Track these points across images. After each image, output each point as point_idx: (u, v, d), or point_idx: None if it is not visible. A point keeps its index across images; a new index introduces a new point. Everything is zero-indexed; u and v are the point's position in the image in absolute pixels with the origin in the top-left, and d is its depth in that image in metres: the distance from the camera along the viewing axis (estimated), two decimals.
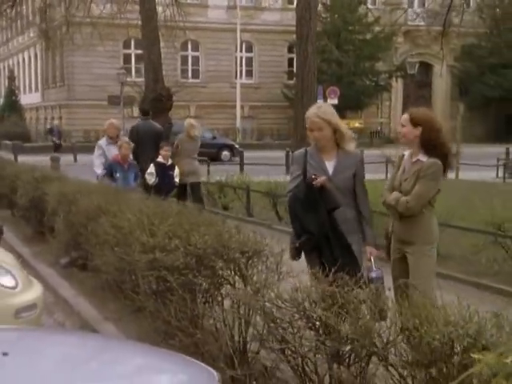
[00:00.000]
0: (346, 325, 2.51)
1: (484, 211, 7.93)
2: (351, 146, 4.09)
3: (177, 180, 8.81)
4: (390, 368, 2.42)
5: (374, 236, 4.03)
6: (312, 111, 4.04)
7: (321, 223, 3.70)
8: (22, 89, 42.69)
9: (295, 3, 18.53)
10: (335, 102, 26.42)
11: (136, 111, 24.26)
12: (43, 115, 38.19)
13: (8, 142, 28.80)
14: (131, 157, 8.27)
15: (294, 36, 29.31)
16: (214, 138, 27.88)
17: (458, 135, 19.53)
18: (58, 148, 27.05)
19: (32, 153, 24.31)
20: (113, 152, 8.19)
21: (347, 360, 2.60)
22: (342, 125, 4.15)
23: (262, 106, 34.48)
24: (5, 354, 2.22)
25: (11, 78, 41.02)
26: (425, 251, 3.99)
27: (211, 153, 23.21)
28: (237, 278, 3.68)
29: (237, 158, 22.85)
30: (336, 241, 3.72)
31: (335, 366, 2.62)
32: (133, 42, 32.01)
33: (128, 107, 26.32)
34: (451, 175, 12.89)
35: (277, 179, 11.08)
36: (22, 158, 19.09)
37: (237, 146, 26.41)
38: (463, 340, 2.13)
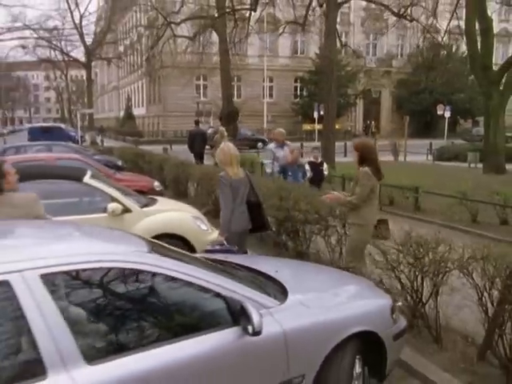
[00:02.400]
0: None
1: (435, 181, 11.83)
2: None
3: (326, 173, 9.51)
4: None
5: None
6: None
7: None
8: (134, 105, 54.54)
9: (297, 52, 26.83)
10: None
11: (209, 120, 37.79)
12: (147, 122, 50.19)
13: (130, 137, 40.42)
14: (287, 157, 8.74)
15: (299, 72, 43.16)
16: (253, 134, 38.25)
17: (405, 134, 29.91)
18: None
19: (145, 144, 32.74)
20: (280, 154, 8.81)
21: None
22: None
23: (278, 115, 45.78)
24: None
25: (128, 99, 54.18)
26: (357, 230, 5.25)
27: (250, 144, 33.22)
28: (340, 225, 5.79)
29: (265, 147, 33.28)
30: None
31: None
32: (201, 77, 44.59)
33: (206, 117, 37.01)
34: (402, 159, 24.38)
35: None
36: (141, 147, 24.00)
37: (266, 140, 34.38)
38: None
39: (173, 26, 23.93)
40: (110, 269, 2.59)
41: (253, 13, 19.36)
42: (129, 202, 6.32)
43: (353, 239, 5.37)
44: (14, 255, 2.47)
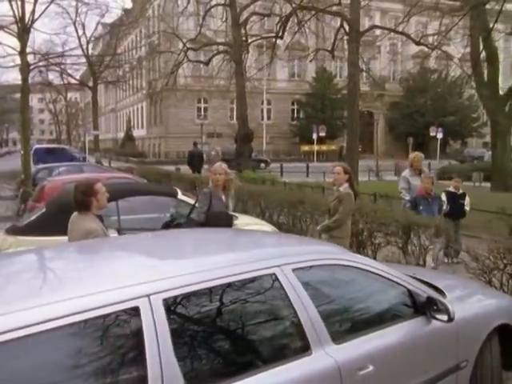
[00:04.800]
0: None
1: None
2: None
3: (467, 208, 8.15)
4: None
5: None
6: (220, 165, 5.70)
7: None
8: (134, 126, 54.66)
9: (294, 75, 28.09)
10: (323, 134, 41.89)
11: (211, 141, 38.11)
12: (147, 143, 50.60)
13: (133, 158, 40.31)
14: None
15: (296, 95, 43.80)
16: (256, 155, 37.27)
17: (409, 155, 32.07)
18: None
19: (150, 165, 31.86)
20: (417, 183, 7.56)
21: None
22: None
23: (276, 136, 46.48)
24: None
25: (128, 121, 54.55)
26: (338, 242, 5.04)
27: (253, 164, 31.80)
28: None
29: (267, 168, 33.87)
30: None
31: None
32: (202, 100, 45.26)
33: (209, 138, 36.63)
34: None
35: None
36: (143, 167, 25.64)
37: (268, 160, 37.42)
38: None
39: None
40: (336, 265, 3.02)
41: (278, 40, 19.95)
42: None
43: None
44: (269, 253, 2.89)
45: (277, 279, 2.66)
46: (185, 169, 21.91)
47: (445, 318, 3.11)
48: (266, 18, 24.64)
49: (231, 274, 2.51)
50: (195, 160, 20.21)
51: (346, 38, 17.66)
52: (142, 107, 53.52)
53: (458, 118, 46.38)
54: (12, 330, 1.87)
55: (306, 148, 44.65)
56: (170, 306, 2.26)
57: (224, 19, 22.55)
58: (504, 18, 21.50)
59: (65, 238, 5.57)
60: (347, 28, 16.63)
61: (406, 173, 8.01)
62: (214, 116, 44.48)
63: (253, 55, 25.10)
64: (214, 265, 2.56)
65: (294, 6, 17.78)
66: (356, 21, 15.81)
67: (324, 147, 44.28)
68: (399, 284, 3.26)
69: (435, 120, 42.56)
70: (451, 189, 8.13)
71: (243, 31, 21.87)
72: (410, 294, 3.27)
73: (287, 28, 18.59)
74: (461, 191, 8.20)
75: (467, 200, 8.16)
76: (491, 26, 15.93)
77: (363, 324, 2.98)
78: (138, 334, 2.12)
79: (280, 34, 18.66)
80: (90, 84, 41.67)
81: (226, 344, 2.46)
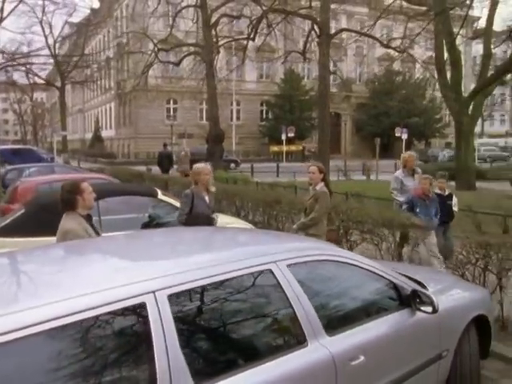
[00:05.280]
0: None
1: None
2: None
3: (455, 209, 7.48)
4: None
5: None
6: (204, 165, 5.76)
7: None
8: (102, 127, 53.91)
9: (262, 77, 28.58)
10: (292, 135, 42.18)
11: (181, 142, 37.90)
12: (116, 144, 49.94)
13: (102, 159, 39.50)
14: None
15: (265, 96, 44.07)
16: (226, 156, 36.61)
17: (377, 155, 29.44)
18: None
19: (121, 165, 30.31)
20: (410, 184, 7.28)
21: None
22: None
23: (246, 137, 46.73)
24: None
25: (96, 121, 53.73)
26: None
27: (224, 165, 31.69)
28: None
29: (238, 168, 33.86)
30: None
31: None
32: (171, 100, 44.94)
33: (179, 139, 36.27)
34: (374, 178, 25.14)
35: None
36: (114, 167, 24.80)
37: (239, 161, 37.08)
38: None
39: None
40: (327, 261, 3.12)
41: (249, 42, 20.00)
42: None
43: None
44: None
45: (273, 275, 2.74)
46: (156, 169, 21.91)
47: (429, 309, 3.24)
48: (235, 20, 24.72)
49: (230, 270, 2.58)
50: (164, 161, 20.83)
51: (316, 40, 17.85)
52: (110, 108, 52.83)
53: (422, 119, 47.39)
54: (32, 326, 1.91)
55: (275, 148, 44.86)
56: (175, 301, 2.31)
57: (195, 20, 22.49)
58: (465, 23, 22.19)
59: (45, 239, 5.54)
60: (317, 31, 16.81)
61: (399, 173, 7.63)
62: (183, 117, 44.25)
63: (223, 56, 25.04)
64: (214, 262, 2.62)
65: (264, 8, 17.88)
66: (326, 24, 16.03)
67: (293, 147, 44.56)
68: (385, 278, 3.37)
69: (400, 121, 43.33)
70: (436, 190, 7.30)
71: (214, 32, 21.86)
72: (396, 287, 3.39)
73: (258, 30, 18.66)
74: (447, 192, 7.61)
75: (455, 200, 7.59)
76: (456, 32, 16.39)
77: (353, 316, 3.08)
78: (146, 329, 2.16)
79: (252, 35, 18.73)
80: (57, 84, 40.87)
81: (228, 337, 2.52)
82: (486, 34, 19.19)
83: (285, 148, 41.98)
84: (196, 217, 5.46)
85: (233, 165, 36.05)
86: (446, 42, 18.59)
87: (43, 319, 1.94)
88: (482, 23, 39.05)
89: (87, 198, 4.11)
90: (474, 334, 3.89)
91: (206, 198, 5.76)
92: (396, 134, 39.75)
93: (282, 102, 46.14)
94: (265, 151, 45.91)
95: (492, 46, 19.61)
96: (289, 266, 2.83)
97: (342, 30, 21.17)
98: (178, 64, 24.21)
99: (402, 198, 7.23)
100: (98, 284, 2.20)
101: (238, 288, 2.64)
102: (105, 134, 52.52)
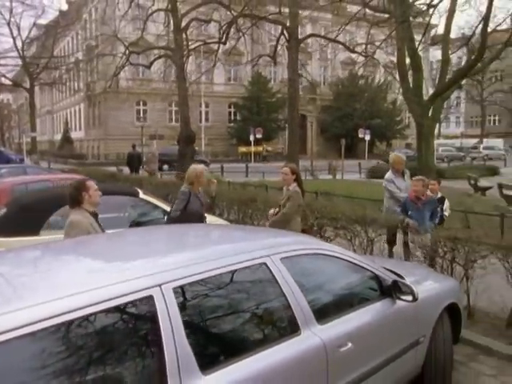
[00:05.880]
0: None
1: None
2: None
3: (446, 214, 6.87)
4: None
5: None
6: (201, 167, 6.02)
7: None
8: (72, 128, 52.97)
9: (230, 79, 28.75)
10: (260, 136, 42.41)
11: (152, 143, 37.77)
12: (86, 145, 49.09)
13: (73, 160, 39.12)
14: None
15: (233, 98, 43.95)
16: (196, 156, 39.56)
17: (342, 155, 30.52)
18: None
19: (91, 166, 29.21)
20: (402, 185, 6.86)
21: None
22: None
23: (214, 138, 46.35)
24: None
25: (65, 122, 52.80)
26: None
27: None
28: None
29: (207, 168, 35.00)
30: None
31: None
32: (141, 102, 44.43)
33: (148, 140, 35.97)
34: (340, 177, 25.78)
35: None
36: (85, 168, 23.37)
37: (208, 161, 35.83)
38: None
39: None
40: (316, 254, 3.23)
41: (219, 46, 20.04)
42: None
43: None
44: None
45: (268, 268, 2.83)
46: (126, 170, 21.74)
47: (410, 298, 3.39)
48: (205, 24, 24.69)
49: (229, 263, 2.65)
50: (133, 161, 21.46)
51: (285, 45, 18.01)
52: (79, 109, 51.93)
53: (384, 121, 48.31)
54: (49, 318, 1.94)
55: (243, 149, 45.01)
56: (179, 294, 2.37)
57: (166, 24, 22.36)
58: (421, 29, 22.73)
59: (28, 239, 5.48)
60: (287, 36, 16.97)
61: (390, 175, 7.18)
62: (153, 118, 43.79)
63: (193, 59, 24.96)
64: (214, 256, 2.69)
65: (235, 13, 17.94)
66: (295, 29, 16.20)
67: (260, 148, 44.79)
68: (368, 270, 3.51)
69: (363, 123, 44.22)
70: (428, 193, 6.73)
71: (184, 36, 21.77)
72: (377, 278, 3.53)
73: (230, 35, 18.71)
74: (440, 195, 7.06)
75: (446, 204, 6.99)
76: (418, 38, 16.77)
77: (340, 306, 3.20)
78: (155, 320, 2.22)
79: (223, 39, 18.76)
80: (26, 85, 39.95)
81: (229, 327, 2.60)
82: (445, 41, 19.65)
83: (252, 149, 42.19)
84: (189, 214, 5.56)
85: (203, 165, 35.76)
86: (408, 48, 19.01)
87: (61, 311, 1.98)
88: (439, 30, 40.07)
89: (93, 194, 4.29)
90: (447, 321, 4.07)
91: (200, 197, 5.93)
92: (359, 135, 40.55)
93: (249, 103, 46.24)
94: (233, 152, 45.98)
95: (450, 52, 20.15)
96: (282, 259, 2.93)
97: (311, 35, 21.40)
98: (149, 67, 24.00)
99: (405, 194, 6.72)
100: (108, 278, 2.25)
101: (236, 280, 2.72)
102: (74, 135, 51.61)
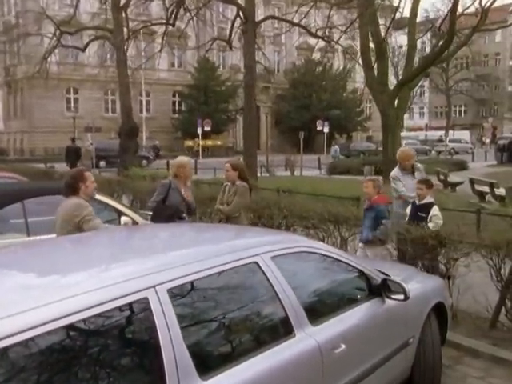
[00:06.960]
0: None
1: None
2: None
3: (430, 225, 5.87)
4: None
5: None
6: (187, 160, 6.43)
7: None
8: None
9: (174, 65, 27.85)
10: (209, 128, 42.37)
11: (86, 136, 36.84)
12: (6, 138, 47.14)
13: None
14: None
15: (177, 86, 43.79)
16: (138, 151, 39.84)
17: (301, 150, 30.97)
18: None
19: (15, 163, 28.26)
20: (409, 182, 6.67)
21: None
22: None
23: (157, 131, 46.09)
24: None
25: None
26: None
27: (137, 161, 33.02)
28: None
29: (150, 165, 32.28)
30: None
31: None
32: (72, 90, 43.56)
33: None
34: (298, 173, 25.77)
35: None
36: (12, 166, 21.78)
37: (151, 157, 36.29)
38: None
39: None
40: (305, 252, 3.40)
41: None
42: (135, 215, 6.81)
43: None
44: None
45: (259, 267, 2.96)
46: (61, 166, 21.27)
47: (401, 297, 3.61)
48: (147, 2, 24.46)
49: (221, 263, 2.77)
50: (71, 156, 21.73)
51: (241, 28, 18.14)
52: None
53: (343, 112, 49.39)
54: (53, 320, 2.01)
55: (190, 143, 44.86)
56: (173, 295, 2.47)
57: (103, 1, 21.99)
58: (384, 12, 23.47)
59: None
60: (242, 17, 17.06)
61: (396, 172, 7.05)
62: (86, 108, 42.94)
63: (134, 42, 24.69)
64: (206, 255, 2.81)
65: None
66: (252, 10, 16.36)
67: (209, 142, 44.83)
68: (357, 269, 3.71)
69: (321, 114, 44.96)
70: (414, 195, 6.41)
71: (124, 15, 21.49)
72: (366, 277, 3.73)
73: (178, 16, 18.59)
74: (425, 200, 6.20)
75: (433, 213, 6.07)
76: (384, 23, 17.32)
77: (332, 306, 3.39)
78: (151, 322, 2.31)
79: (171, 20, 18.65)
80: None
81: (226, 329, 2.72)
82: (411, 25, 20.45)
83: (200, 142, 42.08)
84: (167, 207, 5.90)
85: (145, 161, 35.01)
86: (373, 33, 19.60)
87: (52, 318, 2.03)
88: (404, 13, 41.24)
89: (90, 185, 4.77)
90: (435, 321, 4.33)
91: (183, 191, 6.16)
92: (317, 128, 41.20)
93: (196, 92, 46.15)
94: (178, 146, 45.68)
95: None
96: (272, 258, 3.07)
97: (269, 17, 21.58)
98: (83, 49, 23.59)
99: (413, 194, 6.46)
100: (103, 280, 2.32)
101: (228, 280, 2.85)
102: None
